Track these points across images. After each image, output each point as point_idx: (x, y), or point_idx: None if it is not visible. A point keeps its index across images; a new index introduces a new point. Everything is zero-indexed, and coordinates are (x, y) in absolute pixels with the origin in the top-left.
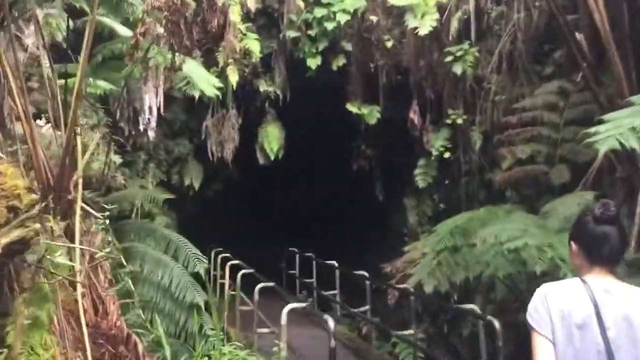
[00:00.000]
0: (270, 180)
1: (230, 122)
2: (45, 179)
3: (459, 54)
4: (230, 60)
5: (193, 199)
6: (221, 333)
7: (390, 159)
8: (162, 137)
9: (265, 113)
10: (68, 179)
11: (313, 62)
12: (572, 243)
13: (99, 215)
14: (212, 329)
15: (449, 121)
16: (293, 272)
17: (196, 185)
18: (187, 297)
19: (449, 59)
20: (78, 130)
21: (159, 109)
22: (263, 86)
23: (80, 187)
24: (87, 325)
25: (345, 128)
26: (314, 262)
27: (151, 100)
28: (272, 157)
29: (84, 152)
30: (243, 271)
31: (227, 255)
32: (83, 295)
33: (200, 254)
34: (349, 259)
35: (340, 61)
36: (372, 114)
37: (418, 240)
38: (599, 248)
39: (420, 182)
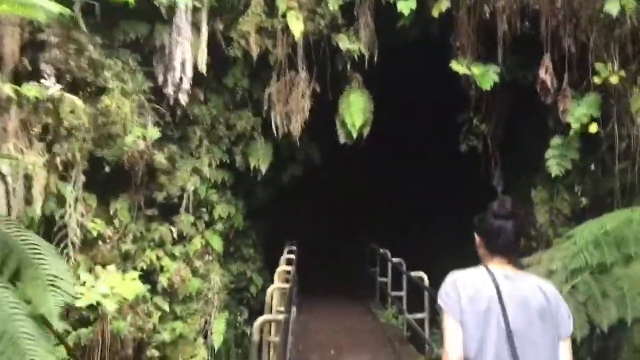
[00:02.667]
0: (357, 164)
1: (299, 88)
2: None
3: None
4: (293, 4)
5: (264, 185)
6: None
7: (512, 136)
8: (223, 108)
9: (348, 78)
10: None
11: (405, 7)
12: (476, 235)
13: None
14: None
15: (597, 81)
16: (384, 279)
17: (263, 169)
18: None
19: None
20: None
21: (195, 66)
22: (345, 43)
23: None
24: None
25: (450, 96)
26: (404, 275)
27: (185, 53)
28: (355, 135)
29: (113, 123)
30: (273, 287)
31: (291, 257)
32: None
33: (66, 274)
34: (457, 266)
35: (443, 5)
36: (486, 75)
37: (551, 247)
38: (495, 240)
39: (554, 168)
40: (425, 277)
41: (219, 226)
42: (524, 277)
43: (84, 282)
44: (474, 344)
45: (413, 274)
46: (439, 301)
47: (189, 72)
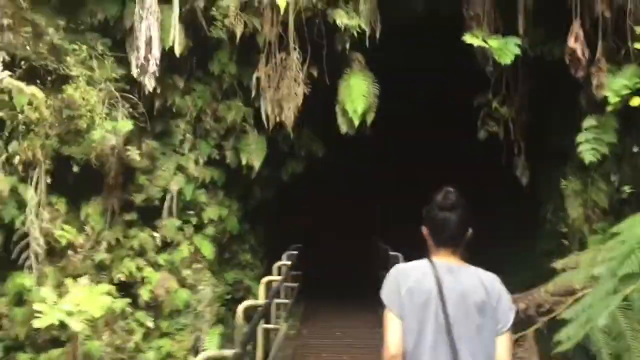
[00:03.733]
0: (364, 157)
1: (291, 71)
2: None
3: None
4: None
5: (262, 183)
6: None
7: (537, 120)
8: (210, 98)
9: (348, 59)
10: None
11: None
12: (423, 227)
13: None
14: None
15: (637, 46)
16: None
17: (256, 164)
18: None
19: None
20: None
21: (169, 48)
22: (342, 18)
23: None
24: None
25: (465, 75)
26: None
27: (151, 28)
28: (357, 122)
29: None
30: (244, 305)
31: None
32: None
33: None
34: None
35: None
36: (506, 48)
37: (586, 247)
38: (441, 232)
39: (588, 153)
40: None
41: (210, 230)
42: (466, 270)
43: (45, 299)
44: (412, 337)
45: None
46: (381, 295)
47: (156, 52)
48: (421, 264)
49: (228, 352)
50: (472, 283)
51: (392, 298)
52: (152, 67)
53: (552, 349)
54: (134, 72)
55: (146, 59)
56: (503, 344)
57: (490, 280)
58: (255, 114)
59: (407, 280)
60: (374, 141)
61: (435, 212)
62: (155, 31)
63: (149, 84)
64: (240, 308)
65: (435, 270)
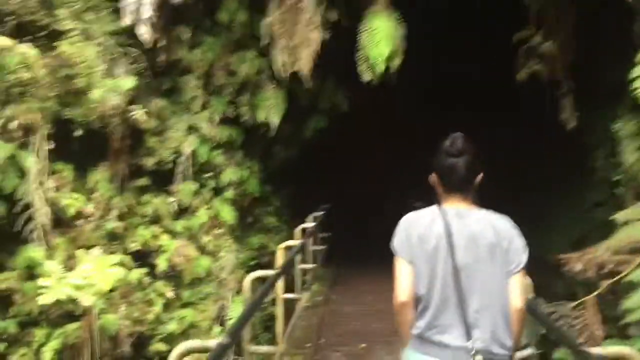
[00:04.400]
0: (393, 107)
1: (305, 14)
2: None
3: None
4: None
5: (284, 141)
6: None
7: (584, 56)
8: (221, 51)
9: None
10: None
11: None
12: (433, 174)
13: None
14: None
15: None
16: None
17: (275, 121)
18: None
19: None
20: None
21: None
22: None
23: None
24: None
25: (501, 10)
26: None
27: None
28: (381, 68)
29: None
30: (250, 276)
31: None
32: None
33: None
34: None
35: None
36: None
37: None
38: (449, 178)
39: None
40: None
41: (229, 193)
42: (476, 214)
43: (51, 273)
44: (425, 282)
45: None
46: (392, 244)
47: None
48: (430, 211)
49: (212, 343)
50: (481, 226)
51: (402, 245)
52: (147, 12)
53: (620, 317)
54: (127, 19)
55: (139, 4)
56: (515, 285)
57: (500, 223)
58: (272, 65)
59: (417, 227)
60: (400, 91)
61: (443, 158)
62: None
63: (146, 33)
64: (248, 280)
65: (445, 216)
